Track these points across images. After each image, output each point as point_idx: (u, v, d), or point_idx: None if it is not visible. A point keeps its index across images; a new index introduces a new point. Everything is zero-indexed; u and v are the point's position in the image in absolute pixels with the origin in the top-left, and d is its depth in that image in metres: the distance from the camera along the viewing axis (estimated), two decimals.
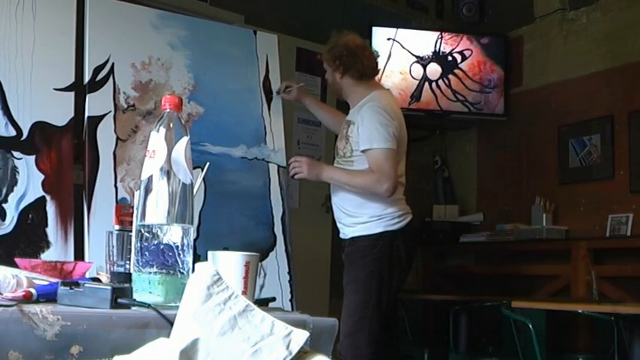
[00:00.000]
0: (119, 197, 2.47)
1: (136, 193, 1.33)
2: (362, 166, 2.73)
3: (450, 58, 4.62)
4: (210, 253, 1.33)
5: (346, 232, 2.82)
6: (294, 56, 4.31)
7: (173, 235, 1.26)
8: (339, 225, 2.87)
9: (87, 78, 2.52)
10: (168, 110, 1.31)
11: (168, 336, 1.03)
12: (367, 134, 2.69)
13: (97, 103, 2.52)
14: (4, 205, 2.29)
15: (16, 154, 2.34)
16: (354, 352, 2.65)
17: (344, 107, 3.02)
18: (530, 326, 2.79)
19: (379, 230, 2.71)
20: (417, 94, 4.54)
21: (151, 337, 1.06)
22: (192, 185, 1.30)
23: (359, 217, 2.75)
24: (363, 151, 2.71)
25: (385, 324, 2.71)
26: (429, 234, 4.75)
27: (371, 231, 2.72)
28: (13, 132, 2.35)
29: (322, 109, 3.14)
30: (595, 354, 3.68)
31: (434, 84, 4.57)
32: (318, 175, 2.77)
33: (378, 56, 2.93)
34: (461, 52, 4.64)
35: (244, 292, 1.28)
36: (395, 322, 2.92)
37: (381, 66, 4.46)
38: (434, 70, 4.58)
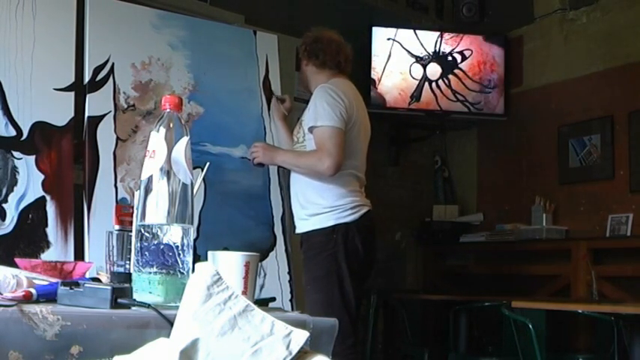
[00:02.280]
0: (119, 197, 2.47)
1: (136, 193, 1.33)
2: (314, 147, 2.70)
3: (450, 58, 4.62)
4: (210, 253, 1.33)
5: (300, 225, 2.76)
6: (294, 56, 4.31)
7: (173, 235, 1.26)
8: (295, 219, 2.81)
9: (87, 78, 2.52)
10: (168, 110, 1.31)
11: (168, 336, 1.03)
12: (314, 112, 2.66)
13: (97, 103, 2.52)
14: (4, 205, 2.29)
15: (16, 154, 2.34)
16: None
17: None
18: (530, 326, 2.79)
19: (331, 223, 2.65)
20: (417, 94, 4.54)
21: (151, 337, 1.06)
22: (192, 185, 1.30)
23: (311, 208, 2.70)
24: (309, 130, 2.68)
25: (356, 320, 2.67)
26: (429, 234, 4.75)
27: (323, 224, 2.66)
28: (13, 132, 2.35)
29: (288, 136, 2.98)
30: (595, 354, 3.68)
31: (434, 84, 4.57)
32: (272, 159, 2.76)
33: (349, 56, 2.87)
34: (461, 52, 4.64)
35: (244, 292, 1.28)
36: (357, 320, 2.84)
37: (380, 66, 4.54)
38: (434, 70, 4.58)
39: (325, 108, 2.64)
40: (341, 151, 2.61)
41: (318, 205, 2.68)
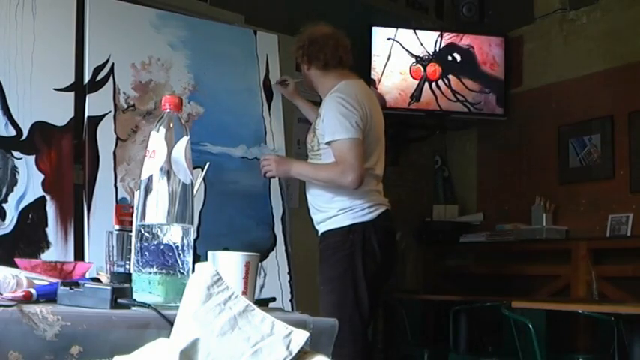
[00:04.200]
0: (119, 197, 2.47)
1: (136, 193, 1.33)
2: (330, 158, 2.67)
3: (450, 58, 4.62)
4: (210, 253, 1.33)
5: (319, 228, 2.77)
6: (294, 56, 4.31)
7: (173, 235, 1.26)
8: (315, 224, 2.81)
9: (87, 78, 2.52)
10: (168, 110, 1.31)
11: (168, 336, 1.03)
12: (330, 126, 2.63)
13: (97, 103, 2.52)
14: (4, 205, 2.29)
15: (16, 154, 2.34)
16: (340, 351, 2.58)
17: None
18: (530, 326, 2.80)
19: (348, 223, 2.64)
20: (417, 94, 4.54)
21: (151, 337, 1.06)
22: (192, 185, 1.30)
23: (328, 211, 2.69)
24: (327, 144, 2.65)
25: (369, 322, 2.65)
26: (429, 234, 4.75)
27: (340, 224, 2.65)
28: (13, 132, 2.35)
29: (313, 110, 3.03)
30: (595, 354, 3.68)
31: (434, 84, 4.57)
32: (286, 172, 2.75)
33: (348, 47, 2.80)
34: (461, 52, 4.64)
35: (244, 292, 1.28)
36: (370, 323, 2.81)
37: (380, 66, 4.53)
38: (434, 70, 4.58)
39: (341, 120, 2.60)
40: (362, 163, 2.60)
41: (334, 207, 2.67)
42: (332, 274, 2.65)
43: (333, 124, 2.62)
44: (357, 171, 2.57)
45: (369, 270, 2.62)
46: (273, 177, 2.77)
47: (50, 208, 2.35)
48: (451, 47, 4.63)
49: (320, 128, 2.70)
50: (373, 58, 4.49)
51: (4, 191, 2.30)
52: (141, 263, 1.25)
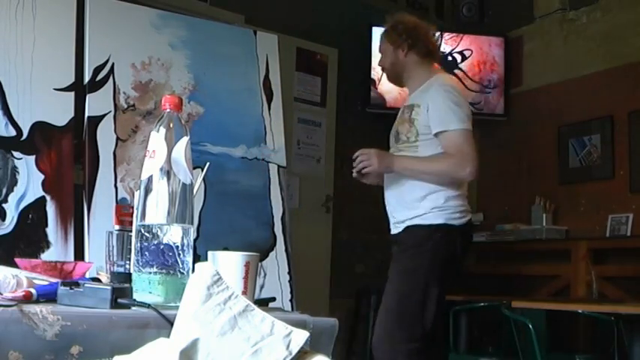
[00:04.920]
0: (119, 197, 2.47)
1: (136, 193, 1.33)
2: (427, 150, 2.57)
3: (450, 58, 4.62)
4: (210, 253, 1.32)
5: (401, 226, 2.63)
6: (294, 56, 4.32)
7: (173, 235, 1.26)
8: (392, 221, 2.68)
9: (87, 78, 2.52)
10: (168, 110, 1.31)
11: (168, 336, 1.03)
12: (441, 115, 2.51)
13: (97, 103, 2.52)
14: (4, 205, 2.29)
15: (16, 154, 2.34)
16: (391, 348, 2.45)
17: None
18: (530, 326, 2.79)
19: (439, 221, 2.53)
20: None
21: (151, 337, 1.06)
22: (192, 185, 1.30)
23: (418, 209, 2.56)
24: (436, 134, 2.52)
25: (430, 330, 2.48)
26: None
27: (430, 221, 2.53)
28: (13, 132, 2.35)
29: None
30: (595, 354, 3.68)
31: None
32: (389, 166, 2.58)
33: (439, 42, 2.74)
34: (461, 52, 4.64)
35: (244, 292, 1.28)
36: (439, 328, 2.71)
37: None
38: None
39: (455, 110, 2.50)
40: (477, 154, 2.51)
41: (426, 205, 2.55)
42: (407, 266, 2.54)
43: (446, 114, 2.50)
44: (474, 162, 2.48)
45: (447, 272, 2.54)
46: (371, 173, 2.60)
47: (50, 208, 2.35)
48: (451, 47, 4.63)
49: (422, 118, 2.56)
50: (373, 58, 4.48)
51: (4, 191, 2.30)
52: (141, 263, 1.25)
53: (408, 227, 2.60)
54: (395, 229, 2.68)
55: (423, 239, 2.54)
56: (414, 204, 2.58)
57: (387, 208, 2.72)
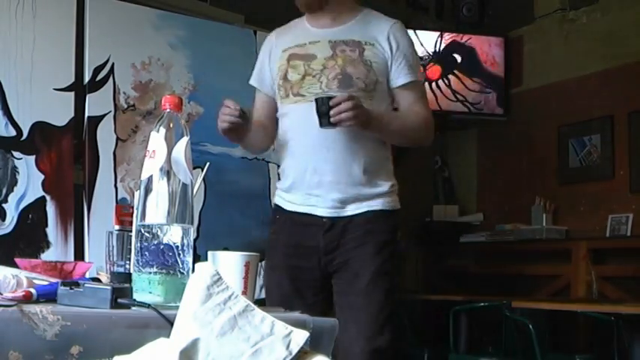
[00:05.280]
0: (119, 197, 2.47)
1: (136, 193, 1.33)
2: (382, 103, 2.07)
3: (450, 58, 4.62)
4: (210, 253, 1.33)
5: (353, 207, 2.07)
6: None
7: (173, 235, 1.26)
8: (336, 197, 2.05)
9: (87, 78, 2.52)
10: (168, 110, 1.31)
11: (168, 336, 1.03)
12: (413, 63, 2.09)
13: (97, 103, 2.52)
14: (4, 205, 2.29)
15: (16, 154, 2.34)
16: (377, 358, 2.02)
17: None
18: (530, 326, 2.79)
19: (398, 206, 2.15)
20: None
21: (151, 337, 1.06)
22: (192, 185, 1.30)
23: (382, 185, 2.10)
24: (405, 85, 2.07)
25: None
26: (429, 234, 4.74)
27: (393, 206, 2.11)
28: (13, 132, 2.35)
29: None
30: (595, 354, 3.68)
31: (434, 84, 4.57)
32: (368, 124, 1.97)
33: None
34: (461, 52, 4.64)
35: (244, 292, 1.28)
36: None
37: None
38: (434, 70, 4.58)
39: (417, 58, 2.13)
40: None
41: (391, 182, 2.16)
42: (387, 264, 2.09)
43: (416, 62, 2.10)
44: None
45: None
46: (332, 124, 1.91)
47: (50, 208, 2.35)
48: (451, 47, 4.63)
49: (380, 62, 2.05)
50: None
51: (4, 191, 2.30)
52: (141, 263, 1.25)
53: (366, 213, 2.10)
54: (338, 212, 2.08)
55: (395, 230, 2.17)
56: (381, 178, 2.14)
57: (334, 179, 2.05)
